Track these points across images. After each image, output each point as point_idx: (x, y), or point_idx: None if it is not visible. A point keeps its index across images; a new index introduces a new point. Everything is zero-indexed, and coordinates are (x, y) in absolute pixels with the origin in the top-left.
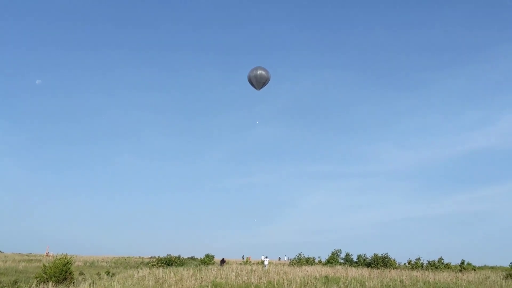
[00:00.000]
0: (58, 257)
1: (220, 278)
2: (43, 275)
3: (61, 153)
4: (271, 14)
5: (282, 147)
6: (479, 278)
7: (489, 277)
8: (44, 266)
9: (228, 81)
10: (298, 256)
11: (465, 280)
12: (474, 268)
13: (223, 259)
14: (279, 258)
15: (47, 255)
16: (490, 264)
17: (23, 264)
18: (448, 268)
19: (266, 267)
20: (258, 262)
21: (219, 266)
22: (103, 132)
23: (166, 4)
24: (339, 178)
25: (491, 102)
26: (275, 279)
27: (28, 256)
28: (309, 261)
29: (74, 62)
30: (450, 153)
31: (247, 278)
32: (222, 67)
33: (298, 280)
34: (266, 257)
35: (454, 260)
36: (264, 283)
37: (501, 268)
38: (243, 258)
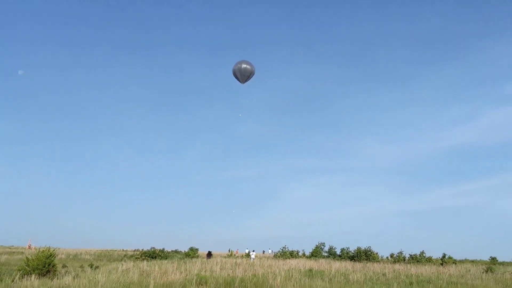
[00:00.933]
0: (41, 250)
1: (205, 271)
2: (26, 267)
3: (44, 147)
4: (256, 9)
5: (267, 142)
6: (460, 272)
7: (469, 271)
8: (27, 258)
9: (214, 76)
10: (282, 249)
11: (447, 274)
12: (455, 262)
13: (209, 252)
14: (263, 251)
15: (29, 247)
16: (471, 258)
17: (5, 256)
18: (430, 261)
19: (252, 260)
20: (243, 255)
21: (206, 259)
22: (87, 127)
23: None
24: (323, 172)
25: (474, 98)
26: (260, 272)
27: (10, 248)
28: (293, 254)
29: (62, 58)
30: (433, 148)
31: (232, 271)
32: (210, 62)
33: (282, 273)
34: (253, 251)
35: (435, 254)
36: (249, 276)
37: (481, 262)
38: (229, 251)
